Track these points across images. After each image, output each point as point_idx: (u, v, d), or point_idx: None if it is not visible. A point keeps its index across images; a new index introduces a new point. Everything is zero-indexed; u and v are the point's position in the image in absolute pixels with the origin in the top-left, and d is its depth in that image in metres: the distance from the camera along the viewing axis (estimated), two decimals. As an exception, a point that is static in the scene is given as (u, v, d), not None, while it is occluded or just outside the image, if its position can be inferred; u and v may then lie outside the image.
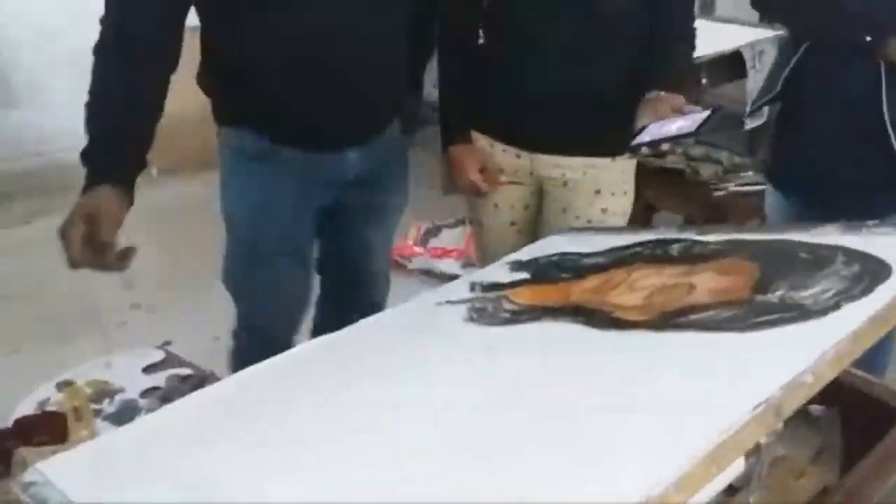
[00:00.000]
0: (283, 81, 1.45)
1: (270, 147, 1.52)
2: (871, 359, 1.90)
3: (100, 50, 1.39)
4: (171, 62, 1.42)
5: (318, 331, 1.82)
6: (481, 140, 1.69)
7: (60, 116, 3.32)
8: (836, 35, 1.65)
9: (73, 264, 1.30)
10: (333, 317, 1.67)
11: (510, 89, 1.61)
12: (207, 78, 1.56)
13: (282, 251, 1.61)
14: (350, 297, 1.78)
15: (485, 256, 1.77)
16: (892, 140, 1.64)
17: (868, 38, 1.61)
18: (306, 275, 1.70)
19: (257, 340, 1.65)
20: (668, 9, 1.56)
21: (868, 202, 1.58)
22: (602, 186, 1.66)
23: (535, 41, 1.55)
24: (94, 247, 1.29)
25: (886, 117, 1.63)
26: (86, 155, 1.38)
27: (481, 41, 1.68)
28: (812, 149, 1.76)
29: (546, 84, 1.57)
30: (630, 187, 1.71)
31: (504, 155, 1.68)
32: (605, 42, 1.55)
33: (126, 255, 1.30)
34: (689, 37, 1.61)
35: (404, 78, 1.60)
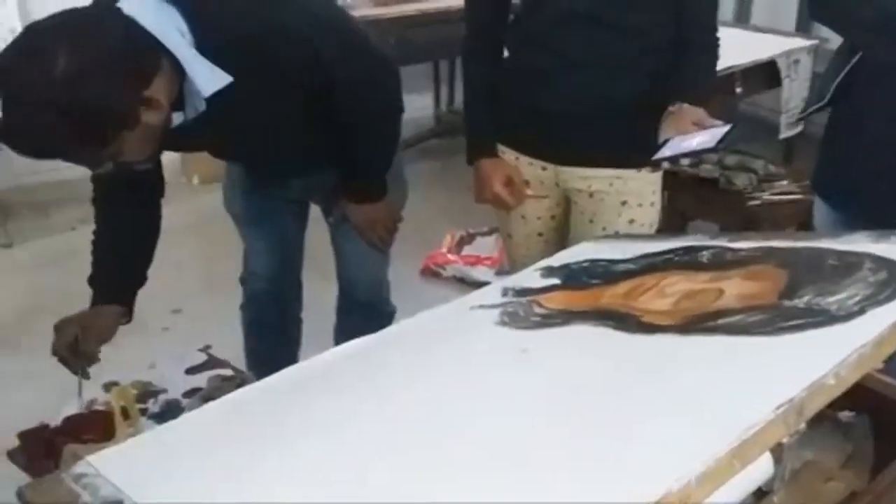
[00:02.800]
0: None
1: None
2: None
3: (93, 202, 1.64)
4: (160, 193, 1.67)
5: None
6: (507, 153, 1.71)
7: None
8: (883, 49, 1.63)
9: (54, 353, 1.55)
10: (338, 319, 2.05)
11: (535, 102, 1.63)
12: None
13: (244, 226, 1.94)
14: (341, 302, 2.02)
15: (514, 266, 1.80)
16: None
17: None
18: (272, 246, 1.94)
19: (247, 298, 2.02)
20: (691, 21, 1.57)
21: None
22: (628, 197, 1.66)
23: (560, 54, 1.57)
24: (75, 350, 1.54)
25: None
26: (91, 281, 1.64)
27: (506, 54, 1.70)
28: (863, 160, 1.73)
29: (571, 96, 1.58)
30: (657, 198, 1.72)
31: (530, 167, 1.70)
32: (629, 54, 1.56)
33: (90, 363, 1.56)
34: (713, 49, 1.61)
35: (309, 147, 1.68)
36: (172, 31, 1.30)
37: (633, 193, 1.67)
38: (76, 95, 1.17)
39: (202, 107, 1.36)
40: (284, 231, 1.94)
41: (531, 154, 1.69)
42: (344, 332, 1.97)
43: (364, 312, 1.92)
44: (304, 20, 1.46)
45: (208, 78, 1.33)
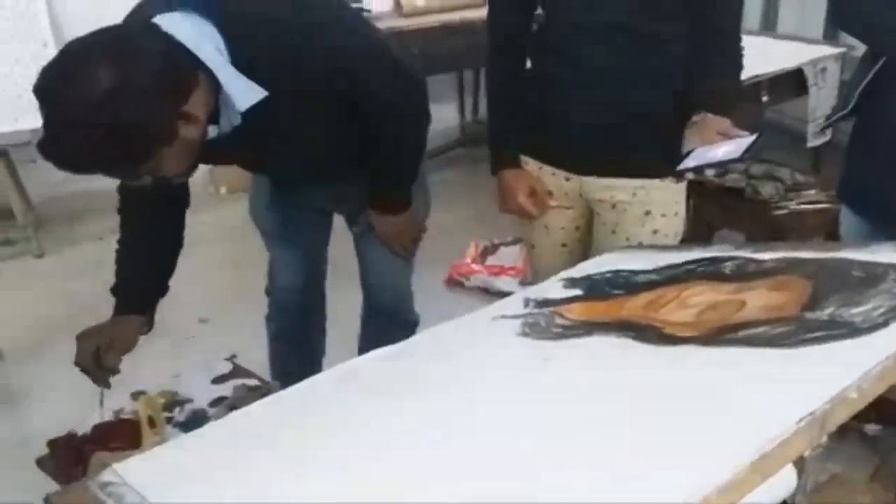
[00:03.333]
0: None
1: None
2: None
3: (119, 212, 1.67)
4: (186, 204, 1.70)
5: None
6: (530, 163, 1.72)
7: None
8: None
9: (76, 364, 1.56)
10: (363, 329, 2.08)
11: (559, 113, 1.63)
12: None
13: (271, 239, 1.96)
14: (365, 311, 2.05)
15: (537, 277, 1.80)
16: None
17: None
18: (297, 259, 1.97)
19: (273, 310, 2.05)
20: (715, 30, 1.57)
21: None
22: (652, 208, 1.66)
23: (583, 64, 1.57)
24: (97, 361, 1.55)
25: None
26: (114, 291, 1.66)
27: (528, 65, 1.71)
28: (888, 168, 1.72)
29: (595, 107, 1.58)
30: (681, 208, 1.71)
31: (553, 178, 1.70)
32: (653, 64, 1.56)
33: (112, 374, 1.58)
34: (737, 58, 1.61)
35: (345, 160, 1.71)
36: (209, 47, 1.31)
37: (657, 203, 1.66)
38: (116, 114, 1.18)
39: (237, 121, 1.38)
40: (310, 243, 1.97)
41: (554, 164, 1.69)
42: (368, 341, 1.98)
43: (388, 321, 1.93)
44: (337, 35, 1.48)
45: (244, 93, 1.34)
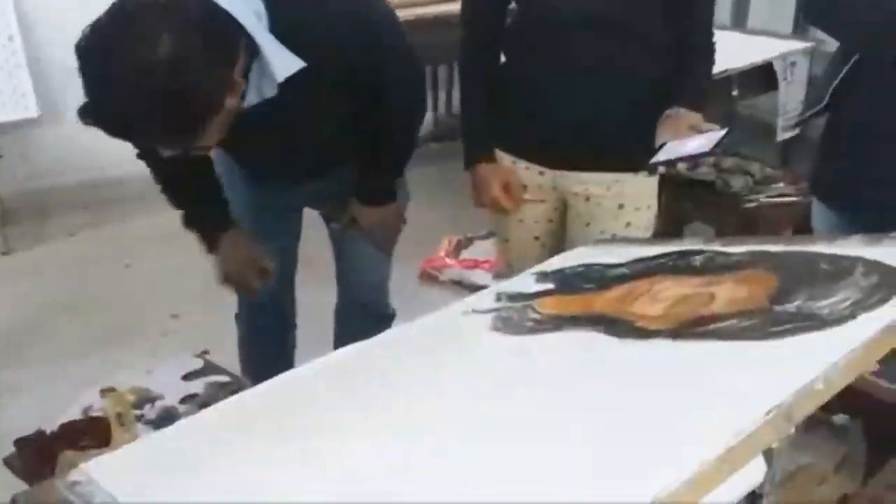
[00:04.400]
0: None
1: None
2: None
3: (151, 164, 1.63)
4: None
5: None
6: (504, 157, 1.72)
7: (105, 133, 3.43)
8: (890, 49, 1.64)
9: (231, 277, 1.71)
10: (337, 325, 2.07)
11: (533, 108, 1.64)
12: None
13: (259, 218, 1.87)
14: (342, 306, 2.04)
15: (510, 270, 1.80)
16: None
17: None
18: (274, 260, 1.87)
19: (244, 309, 2.03)
20: (689, 25, 1.58)
21: None
22: (625, 201, 1.67)
23: (558, 58, 1.58)
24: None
25: None
26: (193, 222, 1.70)
27: (503, 60, 1.71)
28: (859, 163, 1.74)
29: (568, 102, 1.59)
30: (653, 201, 1.73)
31: (527, 172, 1.71)
32: (627, 59, 1.57)
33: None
34: (710, 53, 1.62)
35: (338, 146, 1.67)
36: (249, 14, 1.28)
37: (630, 197, 1.68)
38: (176, 80, 1.15)
39: (271, 92, 1.34)
40: (283, 244, 1.95)
41: (529, 159, 1.70)
42: (346, 335, 1.97)
43: (366, 316, 1.93)
44: (374, 10, 1.48)
45: (284, 61, 1.31)
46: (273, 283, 1.72)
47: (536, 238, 1.79)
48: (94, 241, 3.30)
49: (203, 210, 1.68)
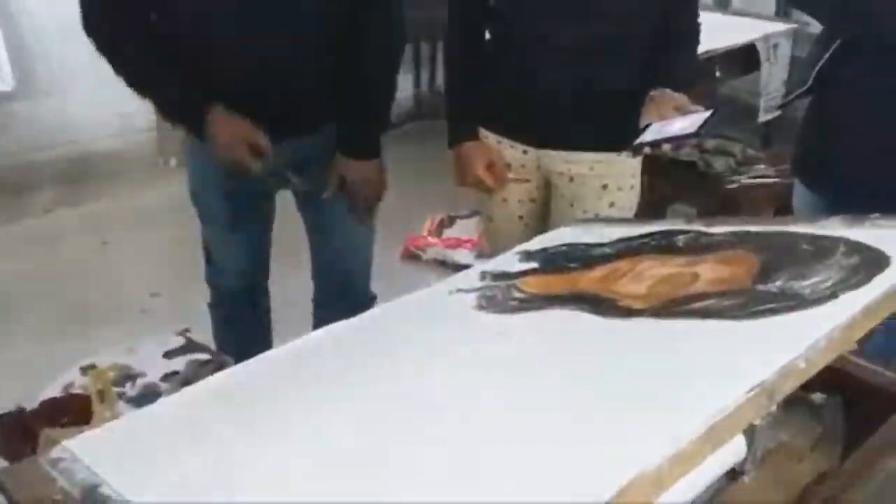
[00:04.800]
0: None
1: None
2: (886, 352, 1.92)
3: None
4: None
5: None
6: (489, 136, 1.72)
7: (83, 107, 3.38)
8: (871, 33, 1.65)
9: (228, 155, 1.62)
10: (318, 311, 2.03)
11: (518, 86, 1.64)
12: None
13: (220, 228, 1.89)
14: (323, 291, 2.00)
15: (494, 249, 1.81)
16: None
17: None
18: (243, 249, 1.93)
19: (219, 297, 2.01)
20: (674, 6, 1.58)
21: None
22: (609, 181, 1.68)
23: (545, 37, 1.57)
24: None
25: None
26: (169, 112, 1.69)
27: (488, 37, 1.70)
28: (841, 146, 1.76)
29: (554, 81, 1.59)
30: (636, 181, 1.73)
31: (511, 151, 1.71)
32: (613, 39, 1.56)
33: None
34: (695, 35, 1.62)
35: (320, 71, 1.65)
36: None
37: (614, 177, 1.68)
38: None
39: None
40: (259, 231, 1.94)
41: (513, 138, 1.70)
42: (325, 320, 1.94)
43: (347, 298, 1.91)
44: None
45: None
46: (269, 165, 1.63)
47: (520, 217, 1.80)
48: (70, 218, 3.26)
49: (180, 92, 1.63)
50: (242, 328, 2.02)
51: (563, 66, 1.57)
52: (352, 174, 1.73)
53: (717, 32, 2.89)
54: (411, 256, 3.12)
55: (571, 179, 1.69)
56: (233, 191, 1.80)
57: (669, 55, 1.56)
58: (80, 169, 3.39)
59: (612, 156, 1.65)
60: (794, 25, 3.15)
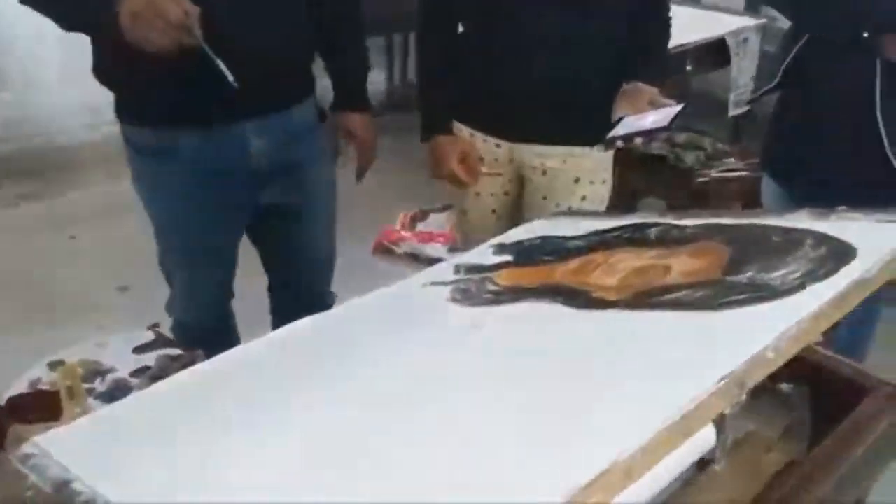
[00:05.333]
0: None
1: (169, 139, 1.54)
2: (852, 346, 1.96)
3: None
4: None
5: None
6: (462, 130, 1.72)
7: (51, 99, 3.33)
8: (835, 30, 1.67)
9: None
10: (284, 312, 1.82)
11: (490, 80, 1.64)
12: (105, 70, 1.56)
13: (193, 252, 1.71)
14: (296, 294, 1.88)
15: (467, 243, 1.81)
16: (884, 137, 1.68)
17: (865, 35, 1.64)
18: (224, 273, 1.79)
19: (180, 327, 1.82)
20: (645, 2, 1.59)
21: (864, 196, 1.60)
22: (582, 175, 1.69)
23: (519, 31, 1.57)
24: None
25: (879, 114, 1.66)
26: None
27: (461, 30, 1.70)
28: (808, 141, 1.78)
29: (527, 74, 1.59)
30: (608, 175, 1.75)
31: (485, 144, 1.71)
32: (585, 33, 1.57)
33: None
34: (666, 28, 1.64)
35: (296, 41, 1.57)
36: None
37: (586, 171, 1.69)
38: None
39: None
40: (227, 255, 1.76)
41: (486, 131, 1.70)
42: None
43: (306, 302, 1.72)
44: None
45: None
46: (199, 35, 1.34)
47: (493, 211, 1.80)
48: (37, 211, 3.22)
49: None
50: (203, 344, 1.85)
51: (534, 59, 1.58)
52: (360, 126, 1.72)
53: (688, 26, 2.92)
54: (384, 251, 3.11)
55: (544, 173, 1.70)
56: (200, 203, 1.62)
57: (641, 49, 1.57)
58: (47, 162, 3.34)
59: (584, 150, 1.66)
60: (763, 20, 3.19)
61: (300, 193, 1.71)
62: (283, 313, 1.91)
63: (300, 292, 1.88)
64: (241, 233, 1.77)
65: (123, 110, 1.61)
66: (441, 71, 1.69)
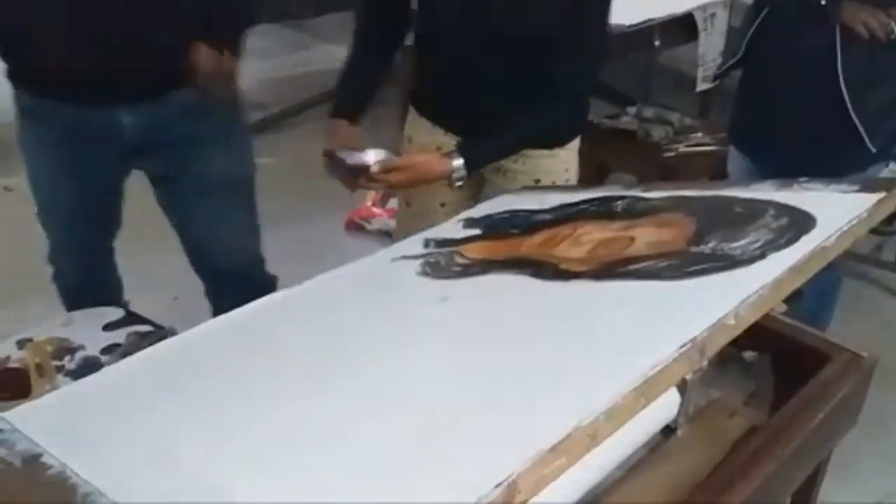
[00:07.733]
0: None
1: (41, 104, 1.59)
2: (815, 314, 2.00)
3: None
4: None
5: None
6: (424, 122, 1.69)
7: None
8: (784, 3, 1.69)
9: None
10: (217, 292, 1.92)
11: (444, 76, 1.60)
12: None
13: (59, 209, 1.76)
14: (209, 270, 1.91)
15: (404, 236, 1.54)
16: (847, 101, 1.71)
17: (823, 2, 1.66)
18: (93, 232, 1.83)
19: (57, 277, 1.90)
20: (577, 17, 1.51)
21: (829, 163, 1.64)
22: (540, 176, 1.63)
23: (465, 29, 1.53)
24: None
25: (841, 79, 1.69)
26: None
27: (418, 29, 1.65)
28: (773, 111, 1.81)
29: (476, 72, 1.54)
30: (572, 174, 1.68)
31: (445, 139, 1.63)
32: (535, 34, 1.49)
33: None
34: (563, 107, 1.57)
35: (172, 30, 1.54)
36: None
37: (545, 172, 1.64)
38: None
39: None
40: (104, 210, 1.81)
41: (444, 127, 1.66)
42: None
43: (241, 285, 1.72)
44: None
45: None
46: None
47: (442, 205, 1.70)
48: None
49: None
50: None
51: (480, 59, 1.54)
52: (206, 60, 1.57)
53: (656, 1, 2.93)
54: (356, 227, 3.10)
55: (504, 174, 1.66)
56: (70, 173, 1.68)
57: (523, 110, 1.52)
58: (5, 138, 3.27)
59: (541, 151, 1.63)
60: (732, -5, 3.20)
61: (192, 166, 1.70)
62: (216, 294, 1.94)
63: (221, 269, 1.88)
64: (115, 197, 1.81)
65: (14, 74, 1.63)
66: (360, 62, 1.66)
